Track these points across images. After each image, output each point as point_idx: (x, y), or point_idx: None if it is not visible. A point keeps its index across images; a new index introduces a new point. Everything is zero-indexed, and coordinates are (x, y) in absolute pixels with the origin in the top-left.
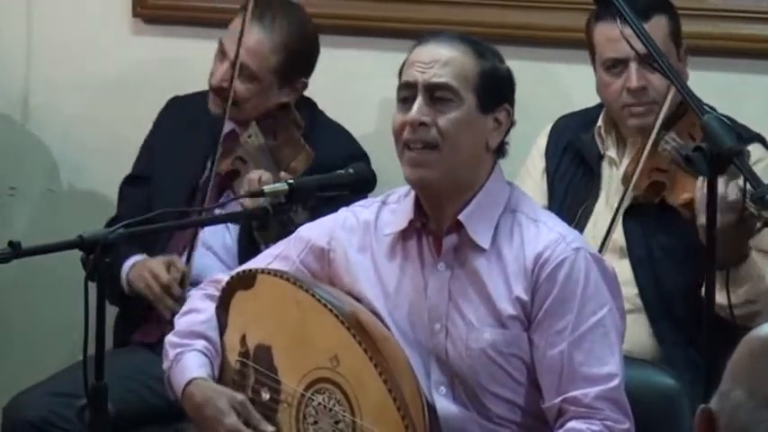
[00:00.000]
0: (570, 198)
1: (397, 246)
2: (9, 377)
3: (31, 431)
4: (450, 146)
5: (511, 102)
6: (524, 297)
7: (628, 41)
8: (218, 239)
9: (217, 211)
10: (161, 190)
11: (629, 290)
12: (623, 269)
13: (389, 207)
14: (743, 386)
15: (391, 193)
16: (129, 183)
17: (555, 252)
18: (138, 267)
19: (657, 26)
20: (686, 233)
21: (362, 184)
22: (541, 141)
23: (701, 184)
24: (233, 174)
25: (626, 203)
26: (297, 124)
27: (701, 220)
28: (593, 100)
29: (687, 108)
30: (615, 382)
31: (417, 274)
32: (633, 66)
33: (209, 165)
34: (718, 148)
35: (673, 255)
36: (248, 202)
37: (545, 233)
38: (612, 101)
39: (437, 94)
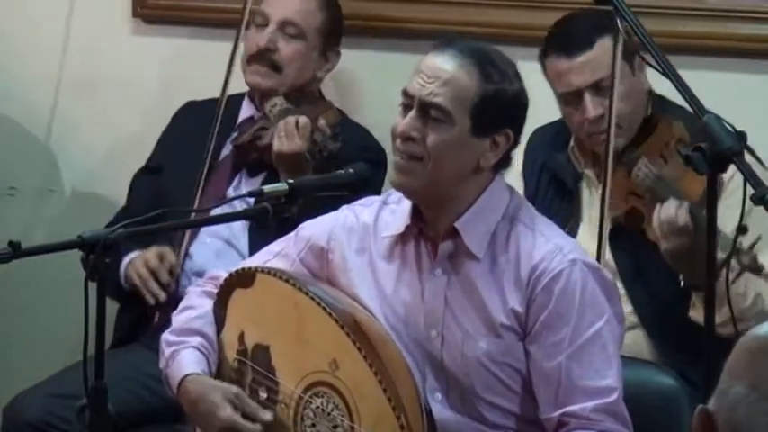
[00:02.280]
0: (552, 220)
1: (396, 248)
2: (9, 378)
3: None
4: (433, 163)
5: (514, 125)
6: (519, 309)
7: (576, 74)
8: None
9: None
10: (173, 175)
11: (626, 307)
12: (617, 288)
13: (390, 207)
14: (743, 381)
15: (392, 193)
16: (141, 173)
17: (551, 264)
18: (133, 260)
19: (603, 50)
20: (659, 254)
21: (362, 184)
22: (518, 162)
23: (657, 211)
24: (250, 146)
25: (606, 229)
26: (323, 99)
27: (663, 246)
28: None
29: (657, 124)
30: (614, 396)
31: (414, 279)
32: (587, 96)
33: (227, 144)
34: (718, 148)
35: (664, 273)
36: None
37: (541, 244)
38: (577, 130)
39: (431, 113)
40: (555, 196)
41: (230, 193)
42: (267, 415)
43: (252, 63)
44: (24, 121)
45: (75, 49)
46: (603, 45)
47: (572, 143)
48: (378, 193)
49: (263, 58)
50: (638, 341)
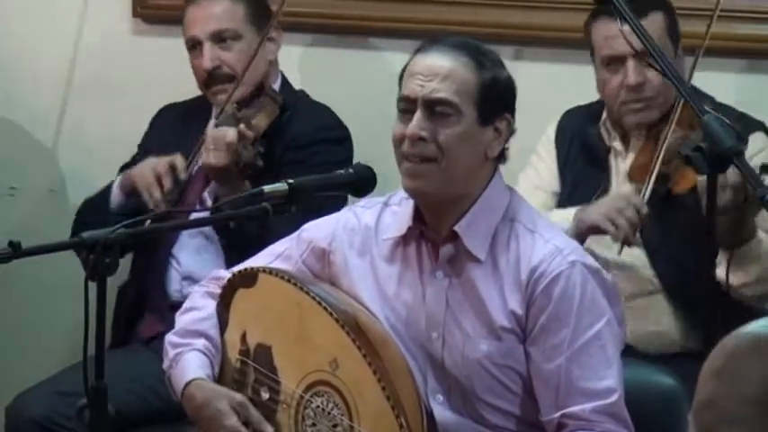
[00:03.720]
0: (580, 189)
1: (397, 250)
2: (12, 376)
3: (34, 429)
4: (448, 160)
5: (511, 110)
6: (519, 311)
7: (626, 39)
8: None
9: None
10: None
11: (648, 272)
12: (640, 255)
13: (391, 209)
14: (703, 398)
15: (393, 194)
16: (125, 169)
17: (550, 266)
18: (140, 165)
19: (654, 23)
20: (697, 217)
21: (362, 185)
22: (550, 131)
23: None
24: None
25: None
26: (272, 96)
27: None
28: (592, 100)
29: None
30: (614, 398)
31: (416, 281)
32: (631, 63)
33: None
34: (718, 147)
35: (687, 239)
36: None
37: (541, 245)
38: (611, 98)
39: (437, 109)
40: (585, 166)
41: (206, 196)
42: (269, 428)
43: (209, 86)
44: (24, 122)
45: (75, 49)
46: (656, 18)
47: (604, 116)
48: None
49: (215, 78)
50: (657, 306)
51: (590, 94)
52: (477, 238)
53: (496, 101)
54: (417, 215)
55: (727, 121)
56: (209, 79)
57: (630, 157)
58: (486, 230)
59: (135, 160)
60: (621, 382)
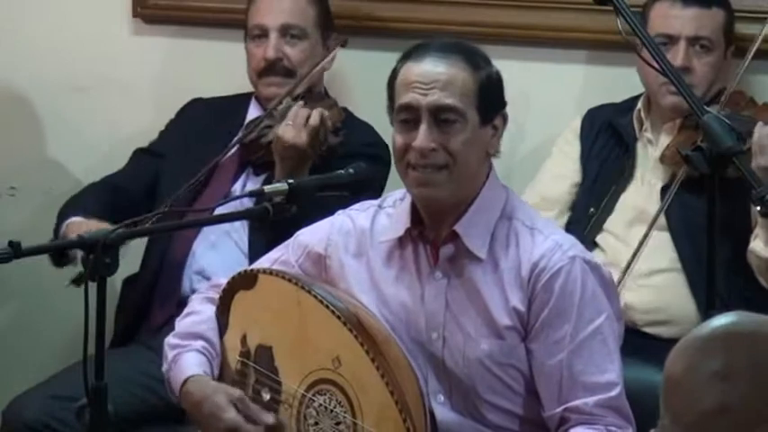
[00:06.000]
0: (603, 174)
1: (394, 252)
2: (8, 379)
3: None
4: (459, 166)
5: (504, 105)
6: (521, 308)
7: (686, 23)
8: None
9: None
10: (175, 166)
11: (670, 251)
12: (663, 238)
13: (386, 211)
14: (667, 414)
15: (387, 197)
16: (143, 151)
17: (551, 261)
18: (74, 225)
19: (715, 17)
20: (722, 203)
21: (362, 185)
22: (575, 124)
23: (758, 127)
24: (256, 144)
25: (675, 184)
26: (328, 96)
27: (757, 161)
28: (593, 100)
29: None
30: (616, 391)
31: (414, 282)
32: (683, 44)
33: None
34: (718, 147)
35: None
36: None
37: (541, 241)
38: (652, 79)
39: (442, 117)
40: (612, 151)
41: (236, 190)
42: (269, 418)
43: (263, 76)
44: (25, 121)
45: (75, 48)
46: (717, 14)
47: (638, 106)
48: (381, 189)
49: (274, 68)
50: (675, 284)
51: (591, 94)
52: (477, 237)
53: (493, 99)
54: (415, 215)
55: (728, 122)
56: (266, 69)
57: (661, 145)
58: (485, 229)
59: (152, 147)
60: (622, 376)
